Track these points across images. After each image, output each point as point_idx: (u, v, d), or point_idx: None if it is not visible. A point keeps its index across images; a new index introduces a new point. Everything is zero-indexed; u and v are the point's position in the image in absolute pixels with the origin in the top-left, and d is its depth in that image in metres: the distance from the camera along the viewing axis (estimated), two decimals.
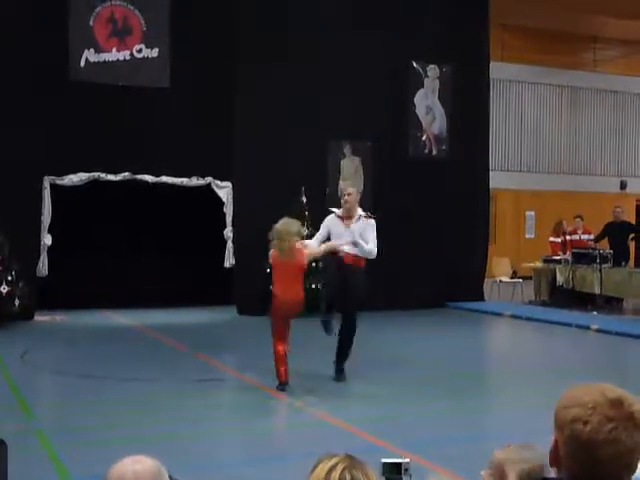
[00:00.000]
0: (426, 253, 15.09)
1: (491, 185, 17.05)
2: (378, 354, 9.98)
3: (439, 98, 15.84)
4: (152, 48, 13.77)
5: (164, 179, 13.71)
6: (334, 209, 8.51)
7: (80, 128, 13.02)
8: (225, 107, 13.88)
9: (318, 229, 8.48)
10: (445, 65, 15.81)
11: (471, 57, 16.00)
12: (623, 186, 24.88)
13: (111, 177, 13.43)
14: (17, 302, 12.01)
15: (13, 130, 12.59)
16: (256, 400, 7.53)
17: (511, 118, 23.59)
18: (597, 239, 16.01)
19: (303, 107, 14.05)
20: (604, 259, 14.66)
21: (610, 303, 15.18)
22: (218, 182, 14.08)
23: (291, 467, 5.12)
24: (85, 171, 13.27)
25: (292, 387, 7.75)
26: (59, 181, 13.20)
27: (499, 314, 14.57)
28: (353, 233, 8.01)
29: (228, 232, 14.13)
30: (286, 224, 7.68)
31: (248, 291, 13.48)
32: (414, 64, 15.60)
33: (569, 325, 13.01)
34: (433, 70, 15.76)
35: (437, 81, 15.82)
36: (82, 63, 13.35)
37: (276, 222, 7.73)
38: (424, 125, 15.72)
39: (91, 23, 13.44)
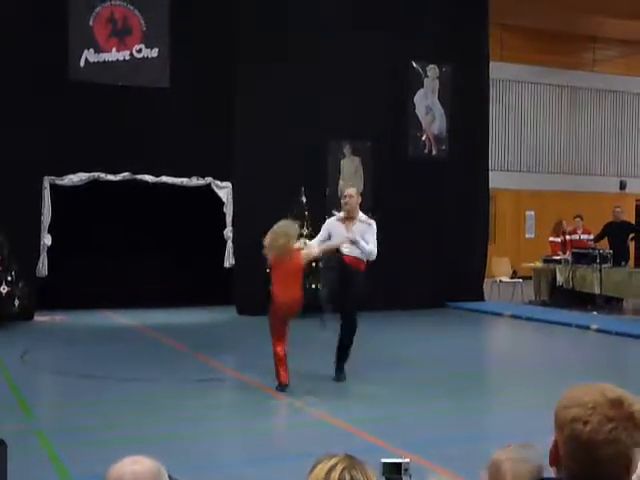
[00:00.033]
0: (426, 253, 15.09)
1: (491, 185, 17.05)
2: (378, 354, 9.98)
3: (439, 98, 15.84)
4: (152, 48, 13.77)
5: (164, 179, 13.72)
6: (335, 212, 8.51)
7: (80, 128, 13.02)
8: (225, 107, 13.88)
9: (318, 229, 8.48)
10: (445, 65, 15.81)
11: (471, 57, 16.00)
12: (623, 186, 24.88)
13: (111, 177, 13.43)
14: (17, 302, 12.01)
15: (13, 130, 12.59)
16: (256, 400, 7.53)
17: (511, 118, 23.58)
18: (597, 239, 16.01)
19: (303, 107, 14.05)
20: (604, 259, 14.66)
21: (610, 303, 15.18)
22: (218, 182, 14.08)
23: (291, 467, 5.09)
24: (85, 171, 13.27)
25: (292, 387, 7.74)
26: (59, 181, 13.20)
27: (499, 314, 14.57)
28: (354, 234, 8.02)
29: (228, 232, 14.13)
30: (282, 225, 7.71)
31: (248, 291, 13.50)
32: (414, 64, 15.60)
33: (569, 325, 13.00)
34: (433, 70, 15.76)
35: (437, 81, 15.82)
36: (82, 63, 13.35)
37: (276, 222, 7.75)
38: (424, 125, 15.72)
39: (91, 23, 13.44)
